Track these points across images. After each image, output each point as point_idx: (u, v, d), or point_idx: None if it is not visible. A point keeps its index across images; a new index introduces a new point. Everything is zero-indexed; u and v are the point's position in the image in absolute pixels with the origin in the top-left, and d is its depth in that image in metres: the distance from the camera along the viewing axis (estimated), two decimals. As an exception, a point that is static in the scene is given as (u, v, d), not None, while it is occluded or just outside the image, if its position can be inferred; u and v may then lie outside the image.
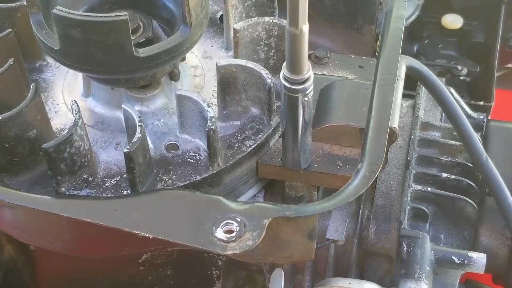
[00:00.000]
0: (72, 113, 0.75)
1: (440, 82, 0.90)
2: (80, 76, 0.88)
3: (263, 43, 0.86)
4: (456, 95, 0.95)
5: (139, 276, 0.96)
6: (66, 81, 0.90)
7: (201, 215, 0.68)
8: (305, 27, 0.65)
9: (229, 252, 0.66)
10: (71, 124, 0.74)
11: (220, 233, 0.67)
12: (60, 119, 0.85)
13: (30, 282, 1.02)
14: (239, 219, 0.68)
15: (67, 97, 0.87)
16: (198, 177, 0.78)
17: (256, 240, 0.66)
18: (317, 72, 0.91)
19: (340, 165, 0.82)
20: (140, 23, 0.83)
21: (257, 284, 1.02)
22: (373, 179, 0.71)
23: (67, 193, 0.76)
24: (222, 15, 0.95)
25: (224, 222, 0.68)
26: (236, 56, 0.85)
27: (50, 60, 0.92)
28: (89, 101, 0.87)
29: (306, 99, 0.72)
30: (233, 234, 0.67)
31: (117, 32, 0.71)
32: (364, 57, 0.94)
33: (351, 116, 0.82)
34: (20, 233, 0.79)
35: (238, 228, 0.67)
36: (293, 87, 0.71)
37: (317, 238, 0.73)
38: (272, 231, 0.69)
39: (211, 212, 0.69)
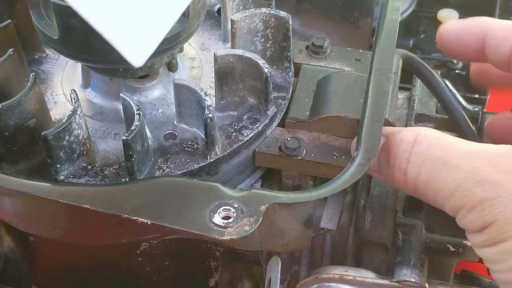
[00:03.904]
0: (71, 102, 0.76)
1: (436, 75, 0.91)
2: (79, 67, 0.89)
3: (260, 34, 0.86)
4: (451, 87, 0.96)
5: (137, 267, 0.96)
6: (65, 73, 0.90)
7: (198, 202, 0.69)
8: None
9: (226, 238, 0.67)
10: (70, 112, 0.74)
11: (217, 219, 0.68)
12: (59, 109, 0.86)
13: (29, 273, 1.03)
14: (236, 205, 0.68)
15: (66, 88, 0.88)
16: (196, 166, 0.79)
17: (254, 226, 0.67)
18: (314, 64, 0.92)
19: (337, 155, 0.83)
20: (139, 14, 0.84)
21: (255, 275, 1.03)
22: (369, 166, 0.72)
23: (66, 181, 0.77)
24: (219, 8, 0.96)
25: (221, 208, 0.68)
26: (233, 47, 0.86)
27: (49, 52, 0.93)
28: (88, 92, 0.87)
29: None
30: (231, 220, 0.67)
31: (115, 21, 0.72)
32: (360, 50, 0.94)
33: (348, 107, 0.83)
34: (19, 222, 0.79)
35: (235, 214, 0.68)
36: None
37: (313, 228, 0.74)
38: (269, 218, 0.70)
39: (208, 199, 0.69)
